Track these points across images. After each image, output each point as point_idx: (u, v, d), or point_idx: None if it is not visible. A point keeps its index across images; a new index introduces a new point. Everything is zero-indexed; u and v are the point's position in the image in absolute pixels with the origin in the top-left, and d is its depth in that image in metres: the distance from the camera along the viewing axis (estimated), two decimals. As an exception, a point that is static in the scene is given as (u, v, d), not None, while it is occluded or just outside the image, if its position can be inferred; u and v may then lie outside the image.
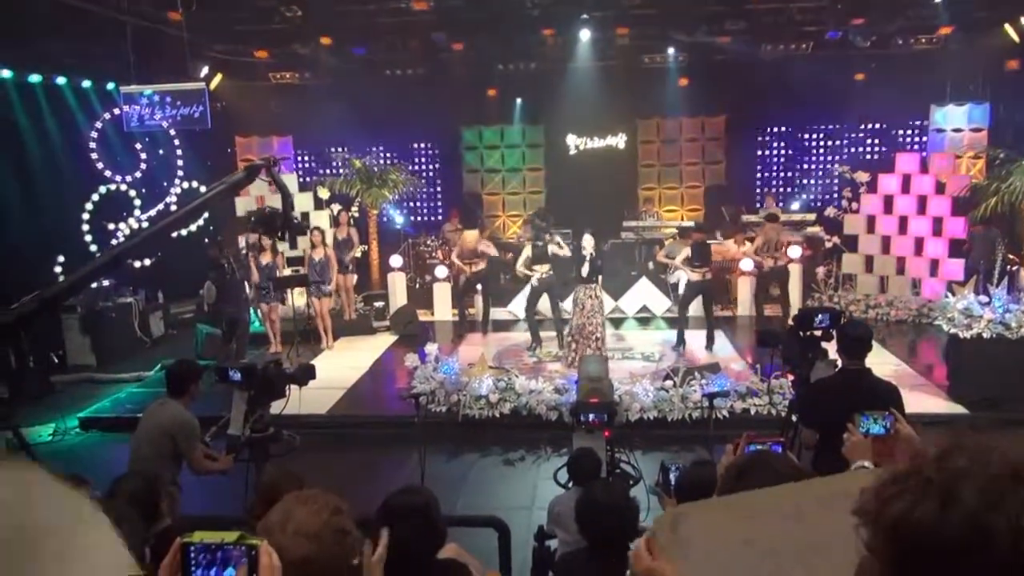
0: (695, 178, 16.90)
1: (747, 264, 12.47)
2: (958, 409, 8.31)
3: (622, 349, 10.90)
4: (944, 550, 1.00)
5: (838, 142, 16.44)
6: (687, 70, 15.21)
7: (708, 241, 11.61)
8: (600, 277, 10.11)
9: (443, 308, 13.41)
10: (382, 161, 15.00)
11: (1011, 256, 11.02)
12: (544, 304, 11.26)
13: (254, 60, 14.36)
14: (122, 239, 12.63)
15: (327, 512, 1.84)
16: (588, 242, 10.02)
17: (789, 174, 16.81)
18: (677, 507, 1.66)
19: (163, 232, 5.28)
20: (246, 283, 11.04)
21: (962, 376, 8.55)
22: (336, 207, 13.57)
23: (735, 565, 1.54)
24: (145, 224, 13.13)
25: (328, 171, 15.61)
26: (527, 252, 10.91)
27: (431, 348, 9.55)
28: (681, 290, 13.08)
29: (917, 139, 15.86)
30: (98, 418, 9.30)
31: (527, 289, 11.29)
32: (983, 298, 8.50)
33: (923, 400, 8.45)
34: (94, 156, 12.87)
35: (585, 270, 9.95)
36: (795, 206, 15.71)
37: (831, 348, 5.02)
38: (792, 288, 12.67)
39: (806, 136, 16.74)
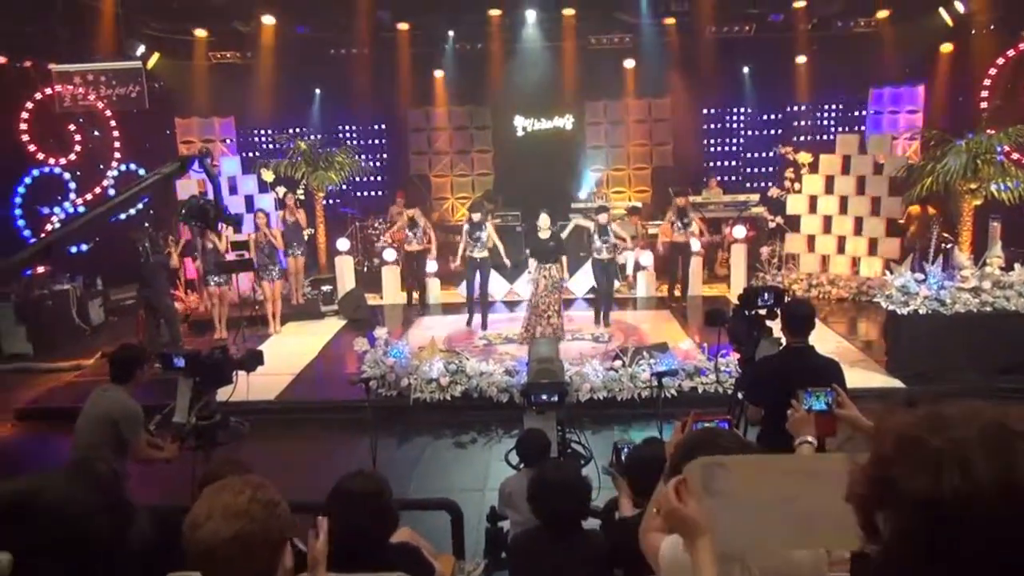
0: (643, 160, 17.03)
1: (695, 244, 12.62)
2: (895, 383, 8.51)
3: (572, 330, 10.99)
4: (977, 516, 1.04)
5: (781, 123, 16.71)
6: (633, 52, 15.26)
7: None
8: (564, 257, 10.28)
9: (392, 291, 13.36)
10: (328, 143, 14.82)
11: (945, 235, 11.33)
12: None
13: (193, 39, 14.01)
14: (57, 224, 12.26)
15: (250, 489, 1.83)
16: (544, 221, 10.08)
17: (733, 155, 17.05)
18: (710, 458, 1.70)
19: (93, 223, 5.15)
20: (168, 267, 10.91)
21: (900, 352, 8.76)
22: (282, 190, 13.44)
23: (775, 518, 1.59)
24: (81, 209, 12.75)
25: (272, 149, 15.38)
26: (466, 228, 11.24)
27: (380, 332, 9.43)
28: (630, 270, 13.33)
29: (857, 120, 16.19)
30: (35, 408, 9.06)
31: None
32: (919, 275, 8.71)
33: (863, 375, 8.63)
34: (25, 138, 12.45)
35: (539, 250, 9.98)
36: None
37: (776, 326, 5.08)
38: (736, 267, 12.96)
39: (750, 117, 16.98)
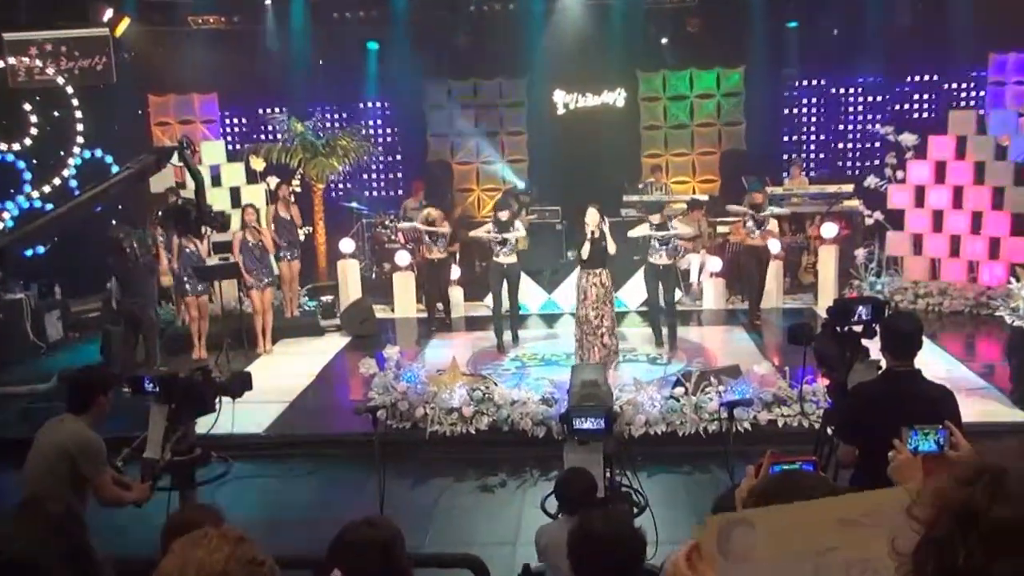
0: (709, 142, 16.96)
1: (774, 246, 12.54)
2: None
3: (624, 350, 10.96)
4: None
5: (880, 98, 16.55)
6: (699, 11, 15.17)
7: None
8: (606, 261, 10.28)
9: (406, 302, 13.37)
10: (329, 125, 14.92)
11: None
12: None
13: (169, 0, 14.20)
14: (10, 223, 12.45)
15: (228, 545, 1.83)
16: (592, 218, 10.07)
17: (821, 137, 16.93)
18: (726, 514, 1.69)
19: (51, 226, 5.25)
20: (158, 272, 11.06)
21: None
22: (273, 180, 13.53)
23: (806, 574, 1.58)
24: (38, 203, 12.98)
25: (263, 136, 15.53)
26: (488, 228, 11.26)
27: (391, 351, 9.51)
28: (694, 277, 13.29)
29: (973, 94, 16.01)
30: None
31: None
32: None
33: (983, 407, 8.51)
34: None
35: (586, 251, 10.02)
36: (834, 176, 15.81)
37: (874, 347, 5.04)
38: (825, 274, 12.88)
39: (842, 91, 16.84)
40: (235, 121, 16.85)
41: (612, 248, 10.15)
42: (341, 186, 16.44)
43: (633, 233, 11.40)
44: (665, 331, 11.19)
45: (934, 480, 1.28)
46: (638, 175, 16.35)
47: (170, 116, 15.37)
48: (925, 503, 1.24)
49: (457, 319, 13.06)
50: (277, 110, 15.10)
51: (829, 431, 5.26)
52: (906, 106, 16.54)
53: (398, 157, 17.34)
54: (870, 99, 16.68)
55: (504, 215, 11.23)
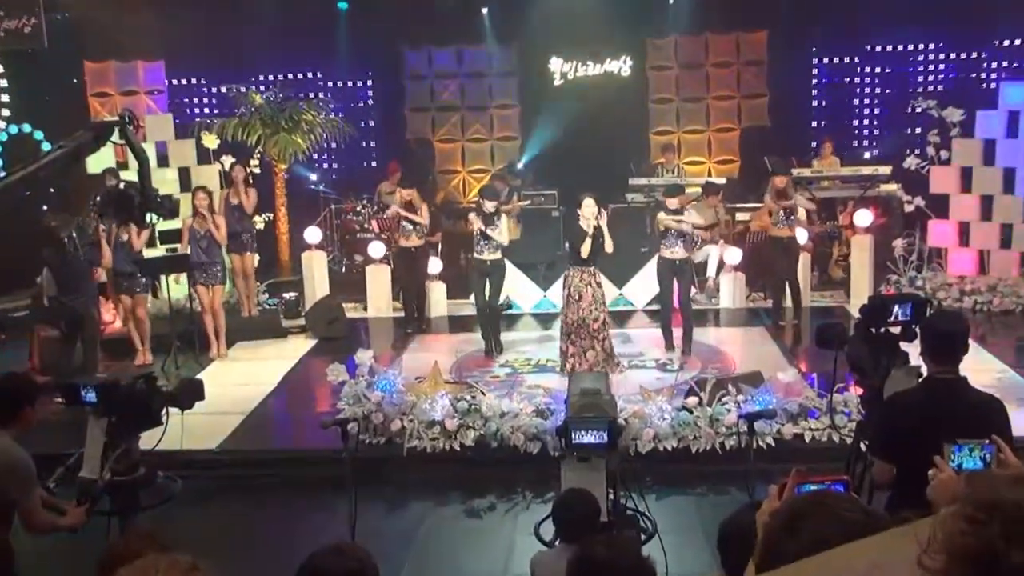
0: (727, 117, 16.98)
1: (801, 236, 12.55)
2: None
3: (629, 355, 10.97)
4: None
5: (921, 66, 16.58)
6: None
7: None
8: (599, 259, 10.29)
9: (380, 300, 13.38)
10: (292, 97, 14.94)
11: None
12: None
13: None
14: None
15: (179, 572, 1.85)
16: (590, 209, 10.04)
17: (855, 111, 16.94)
18: None
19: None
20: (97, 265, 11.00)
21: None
22: (228, 160, 13.53)
23: None
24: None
25: (217, 110, 15.51)
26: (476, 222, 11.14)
27: (363, 356, 9.47)
28: (711, 271, 13.36)
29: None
30: None
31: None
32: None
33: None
34: None
35: (585, 249, 10.01)
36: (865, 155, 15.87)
37: (913, 350, 5.04)
38: (859, 267, 12.91)
39: (877, 58, 16.88)
40: (185, 92, 16.81)
41: (610, 246, 10.15)
42: (306, 167, 16.40)
43: (666, 220, 11.13)
44: (678, 333, 11.17)
45: (942, 523, 1.28)
46: (646, 155, 16.37)
47: (110, 86, 15.32)
48: (936, 550, 1.23)
49: (439, 319, 13.09)
50: (233, 80, 15.00)
51: (863, 447, 5.26)
52: (950, 75, 16.58)
53: (372, 134, 17.35)
54: (910, 67, 16.76)
55: (490, 205, 11.10)
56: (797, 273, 12.33)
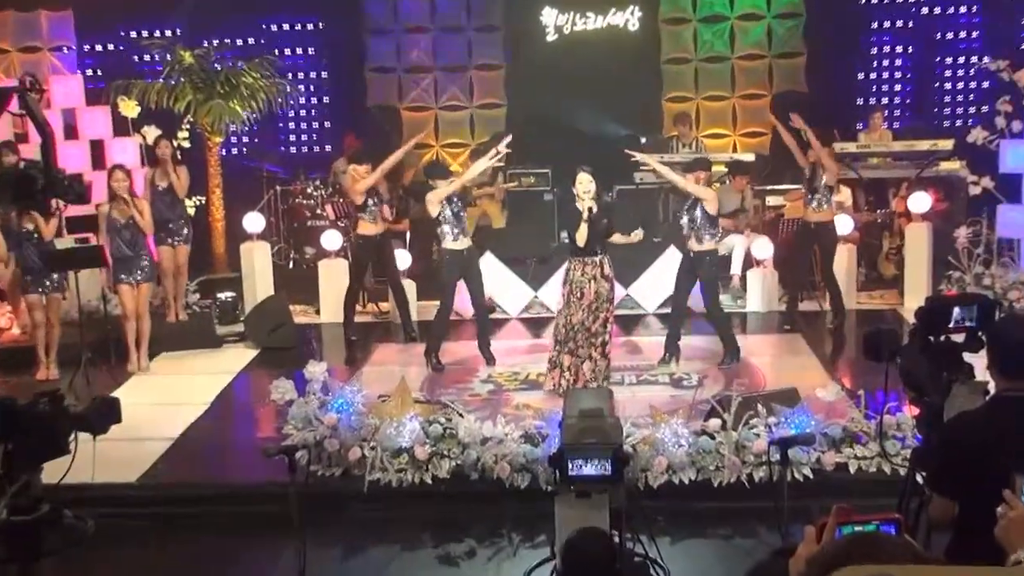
0: (756, 82, 17.05)
1: (845, 224, 12.49)
2: None
3: (637, 368, 11.00)
4: None
5: (987, 23, 16.73)
6: None
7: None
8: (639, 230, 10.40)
9: (336, 302, 13.23)
10: (231, 55, 14.98)
11: None
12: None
13: None
14: None
15: None
16: (585, 186, 10.01)
17: (909, 75, 17.03)
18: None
19: None
20: None
21: None
22: (152, 132, 13.53)
23: None
24: None
25: (137, 71, 15.52)
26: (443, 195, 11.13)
27: (315, 369, 9.47)
28: (735, 267, 13.52)
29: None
30: None
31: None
32: None
33: None
34: None
35: (582, 235, 9.97)
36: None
37: (979, 362, 5.01)
38: (915, 262, 13.05)
39: (937, 13, 16.93)
40: (98, 49, 16.90)
41: (638, 235, 10.29)
42: (246, 140, 16.55)
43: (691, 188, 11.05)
44: (698, 341, 11.35)
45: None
46: (658, 126, 16.52)
47: (6, 41, 15.43)
48: None
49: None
50: (157, 34, 14.89)
51: (918, 479, 5.28)
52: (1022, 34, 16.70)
53: (325, 100, 17.48)
54: (975, 23, 16.87)
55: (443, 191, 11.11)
56: (832, 267, 12.45)
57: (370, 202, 12.32)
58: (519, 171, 14.81)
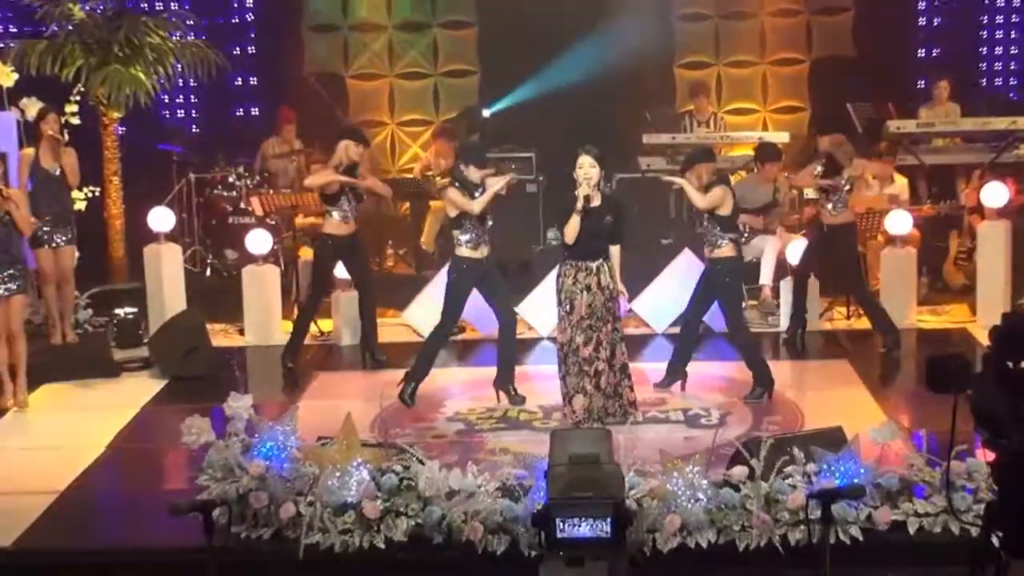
0: (791, 44, 17.24)
1: (901, 221, 12.96)
2: None
3: (644, 402, 10.96)
4: None
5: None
6: None
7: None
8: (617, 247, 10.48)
9: (266, 318, 13.53)
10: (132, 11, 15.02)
11: None
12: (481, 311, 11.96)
13: None
14: None
15: None
16: (586, 170, 10.11)
17: (981, 35, 17.25)
18: None
19: None
20: None
21: None
22: (33, 106, 13.38)
23: None
24: None
25: (15, 28, 15.88)
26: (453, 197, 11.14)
27: (238, 405, 9.32)
28: (765, 276, 13.65)
29: None
30: None
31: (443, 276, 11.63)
32: None
33: None
34: None
35: (571, 230, 10.16)
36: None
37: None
38: (990, 270, 13.05)
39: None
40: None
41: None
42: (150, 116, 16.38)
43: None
44: (718, 368, 11.68)
45: None
46: (669, 100, 16.97)
47: None
48: None
49: (351, 347, 13.21)
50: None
51: (994, 540, 5.09)
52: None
53: (252, 67, 17.90)
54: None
55: (474, 172, 11.14)
56: (859, 277, 12.96)
57: (343, 200, 12.34)
58: (495, 155, 14.69)
